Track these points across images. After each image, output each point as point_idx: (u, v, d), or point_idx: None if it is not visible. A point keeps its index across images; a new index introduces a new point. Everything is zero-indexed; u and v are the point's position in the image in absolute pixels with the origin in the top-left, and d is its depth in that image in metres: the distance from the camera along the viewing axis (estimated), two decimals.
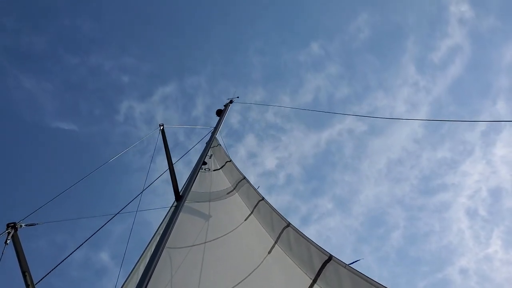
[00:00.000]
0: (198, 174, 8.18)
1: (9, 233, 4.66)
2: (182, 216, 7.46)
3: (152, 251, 6.73)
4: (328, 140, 28.30)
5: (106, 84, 27.39)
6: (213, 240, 6.89)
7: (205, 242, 6.93)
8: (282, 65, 29.66)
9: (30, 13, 23.60)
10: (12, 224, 4.72)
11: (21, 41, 23.51)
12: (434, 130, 26.92)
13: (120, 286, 6.86)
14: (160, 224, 7.48)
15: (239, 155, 27.54)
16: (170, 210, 7.36)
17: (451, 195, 26.00)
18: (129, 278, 6.97)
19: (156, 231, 7.53)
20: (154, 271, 6.31)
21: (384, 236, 26.15)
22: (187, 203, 7.63)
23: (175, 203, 7.67)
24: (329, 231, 26.80)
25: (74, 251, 5.80)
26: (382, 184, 27.37)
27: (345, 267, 4.63)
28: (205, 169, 9.12)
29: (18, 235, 4.74)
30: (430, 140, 27.05)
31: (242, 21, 29.44)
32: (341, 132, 28.21)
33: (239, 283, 5.79)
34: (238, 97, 11.43)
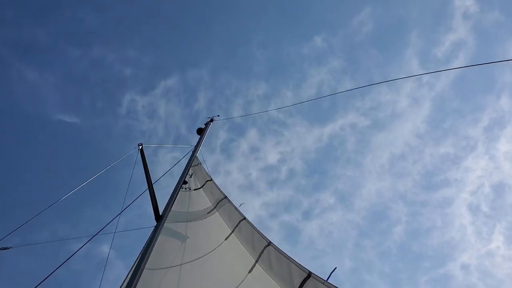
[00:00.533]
0: (179, 194, 8.12)
1: None
2: (162, 238, 7.37)
3: (132, 272, 6.63)
4: (330, 135, 28.43)
5: (109, 77, 27.28)
6: (191, 261, 6.80)
7: (181, 264, 6.83)
8: (285, 58, 29.77)
9: (32, 5, 23.50)
10: None
11: (23, 34, 23.34)
12: (437, 126, 27.22)
13: None
14: (143, 247, 7.36)
15: (241, 149, 27.50)
16: (151, 231, 7.26)
17: (453, 191, 26.20)
18: None
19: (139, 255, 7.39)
20: None
21: (386, 231, 26.17)
22: (167, 223, 7.55)
23: (155, 223, 7.59)
24: (330, 225, 26.78)
25: (50, 275, 5.67)
26: (385, 179, 27.50)
27: (323, 283, 4.64)
28: (185, 188, 9.06)
29: None
30: (433, 135, 27.31)
31: (245, 14, 29.48)
32: (344, 127, 28.37)
33: None
34: (218, 116, 11.50)
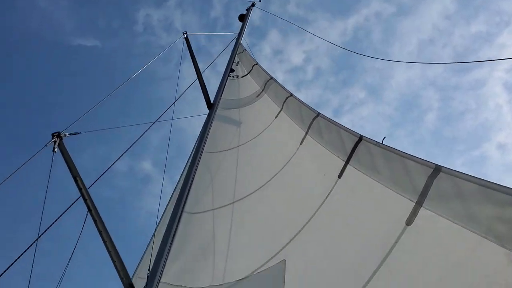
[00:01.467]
0: (227, 82, 8.25)
1: (55, 142, 4.97)
2: (216, 124, 7.69)
3: (192, 157, 7.07)
4: (355, 27, 27.03)
5: None
6: (246, 142, 7.13)
7: (238, 146, 7.18)
8: None
9: None
10: (57, 134, 5.03)
11: None
12: (467, 3, 24.99)
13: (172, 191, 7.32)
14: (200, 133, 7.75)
15: (263, 53, 26.89)
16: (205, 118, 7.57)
17: (487, 71, 24.66)
18: (176, 188, 7.43)
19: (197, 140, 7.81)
20: (196, 174, 6.68)
21: (418, 119, 25.78)
22: (219, 111, 7.81)
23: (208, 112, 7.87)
24: (362, 120, 26.71)
25: (122, 154, 6.14)
26: (414, 67, 26.44)
27: (376, 145, 4.69)
28: (233, 76, 9.15)
29: (64, 143, 5.06)
30: (463, 14, 25.19)
31: None
32: (368, 17, 26.81)
33: (274, 175, 6.04)
34: (260, 1, 11.09)
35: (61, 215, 5.02)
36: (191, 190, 6.18)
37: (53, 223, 5.10)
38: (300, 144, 5.87)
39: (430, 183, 3.75)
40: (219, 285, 4.70)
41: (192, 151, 7.72)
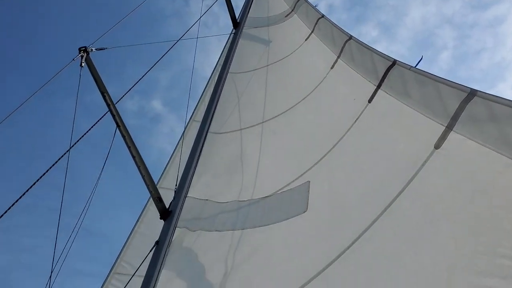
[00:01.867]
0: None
1: (82, 56, 4.94)
2: (242, 43, 7.51)
3: (216, 78, 6.99)
4: None
5: None
6: (275, 62, 6.97)
7: (267, 65, 7.03)
8: None
9: None
10: (84, 48, 4.98)
11: None
12: None
13: (189, 117, 7.34)
14: (221, 53, 7.60)
15: None
16: (230, 37, 7.39)
17: (507, 7, 23.14)
18: (197, 107, 7.44)
19: (218, 60, 7.69)
20: (220, 96, 6.65)
21: (432, 58, 24.71)
22: (245, 30, 7.58)
23: (234, 31, 7.66)
24: None
25: (152, 67, 6.10)
26: (430, 3, 24.87)
27: (409, 69, 4.54)
28: None
29: (91, 58, 5.03)
30: None
31: None
32: None
33: (303, 98, 5.97)
34: None
35: (90, 129, 5.13)
36: (217, 110, 6.20)
37: (82, 135, 5.22)
38: (331, 68, 5.72)
39: (463, 107, 3.64)
40: (244, 200, 4.85)
41: (213, 71, 7.63)
